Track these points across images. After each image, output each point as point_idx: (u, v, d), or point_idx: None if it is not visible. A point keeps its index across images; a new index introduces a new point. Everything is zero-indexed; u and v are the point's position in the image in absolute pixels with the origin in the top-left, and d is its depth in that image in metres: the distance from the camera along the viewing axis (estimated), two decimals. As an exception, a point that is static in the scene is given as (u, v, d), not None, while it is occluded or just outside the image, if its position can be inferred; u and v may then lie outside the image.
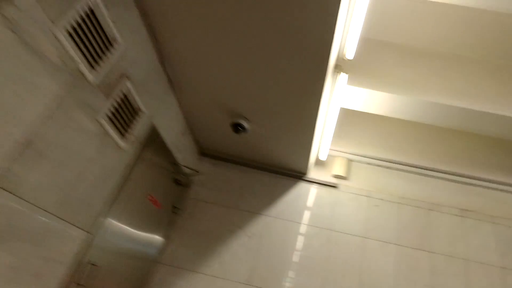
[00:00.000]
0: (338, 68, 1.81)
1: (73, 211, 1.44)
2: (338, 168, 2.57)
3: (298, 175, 2.57)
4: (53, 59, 1.14)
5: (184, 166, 2.29)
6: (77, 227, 1.51)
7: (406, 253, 2.31)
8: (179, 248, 2.33)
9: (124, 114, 1.63)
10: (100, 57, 1.34)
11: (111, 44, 1.39)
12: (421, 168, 2.62)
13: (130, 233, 1.94)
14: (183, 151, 2.35)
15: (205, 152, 2.68)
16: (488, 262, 2.30)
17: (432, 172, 2.62)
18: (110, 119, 1.54)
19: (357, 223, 2.43)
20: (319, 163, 2.63)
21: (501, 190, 2.56)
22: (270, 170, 2.59)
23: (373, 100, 2.10)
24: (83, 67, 1.26)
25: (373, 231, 2.40)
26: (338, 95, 1.94)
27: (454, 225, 2.44)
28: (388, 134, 2.60)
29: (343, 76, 1.82)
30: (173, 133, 2.18)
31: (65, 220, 1.40)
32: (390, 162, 2.61)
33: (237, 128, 2.06)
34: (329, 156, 2.64)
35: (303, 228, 2.40)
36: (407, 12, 1.87)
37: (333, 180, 2.56)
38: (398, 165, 2.62)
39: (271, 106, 1.92)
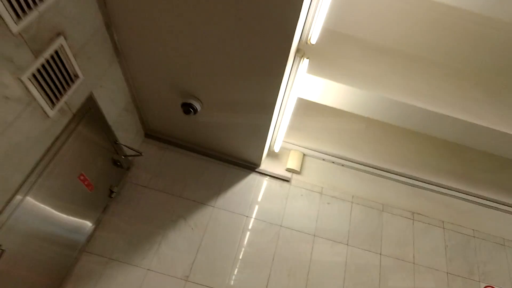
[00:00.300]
0: (300, 52, 1.85)
1: (-21, 182, 1.30)
2: (292, 161, 2.68)
3: (249, 165, 2.62)
4: None
5: (126, 146, 2.20)
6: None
7: (356, 254, 2.43)
8: (112, 237, 2.23)
9: (56, 78, 1.51)
10: (28, 5, 1.23)
11: (44, -7, 1.28)
12: (376, 168, 2.80)
13: (52, 215, 1.81)
14: (125, 129, 2.25)
15: (150, 133, 2.60)
16: (435, 267, 2.49)
17: (386, 173, 2.80)
18: (38, 81, 1.42)
19: (308, 220, 2.51)
20: (272, 155, 2.72)
21: (452, 196, 2.82)
22: (220, 159, 2.60)
23: (331, 92, 2.18)
24: (4, 10, 1.14)
25: (324, 229, 2.49)
26: (298, 81, 1.99)
27: (405, 228, 2.61)
28: (344, 131, 2.74)
29: (305, 62, 1.86)
30: (116, 108, 2.07)
31: (-33, 192, 1.26)
32: (345, 159, 2.78)
33: (188, 109, 2.04)
34: (283, 148, 2.74)
35: (251, 222, 2.46)
36: (375, 8, 1.99)
37: (286, 174, 2.67)
38: (353, 163, 2.79)
39: (227, 88, 1.93)
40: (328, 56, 2.07)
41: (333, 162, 2.80)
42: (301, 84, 2.12)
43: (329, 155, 2.79)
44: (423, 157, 2.85)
